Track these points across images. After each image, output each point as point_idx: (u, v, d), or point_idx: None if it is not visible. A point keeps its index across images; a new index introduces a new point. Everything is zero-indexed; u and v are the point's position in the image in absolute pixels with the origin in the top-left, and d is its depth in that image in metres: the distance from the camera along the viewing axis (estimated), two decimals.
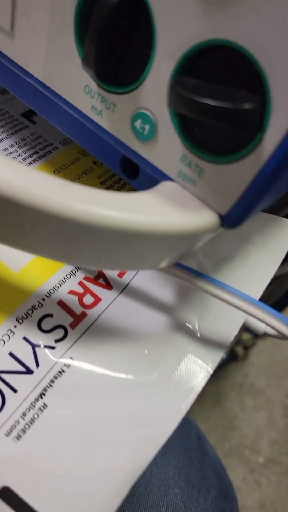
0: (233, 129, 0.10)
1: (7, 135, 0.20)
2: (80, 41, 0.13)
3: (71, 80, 0.14)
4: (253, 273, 0.18)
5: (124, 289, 0.17)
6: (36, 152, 0.20)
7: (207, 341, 0.16)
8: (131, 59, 0.12)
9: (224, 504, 0.26)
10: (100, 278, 0.17)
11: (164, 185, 0.13)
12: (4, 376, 0.14)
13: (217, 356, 0.16)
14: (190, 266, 0.16)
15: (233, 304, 0.15)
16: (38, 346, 0.15)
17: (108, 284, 0.17)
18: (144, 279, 0.18)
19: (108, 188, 0.19)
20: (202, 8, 0.10)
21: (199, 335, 0.16)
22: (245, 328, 0.17)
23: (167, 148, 0.12)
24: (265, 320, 0.15)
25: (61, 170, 0.19)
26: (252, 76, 0.10)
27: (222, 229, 0.12)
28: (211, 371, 0.16)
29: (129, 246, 0.12)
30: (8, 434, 0.14)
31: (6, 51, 0.15)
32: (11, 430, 0.14)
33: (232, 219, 0.12)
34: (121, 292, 0.17)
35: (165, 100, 0.12)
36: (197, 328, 0.17)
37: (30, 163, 0.19)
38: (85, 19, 0.12)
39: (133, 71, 0.12)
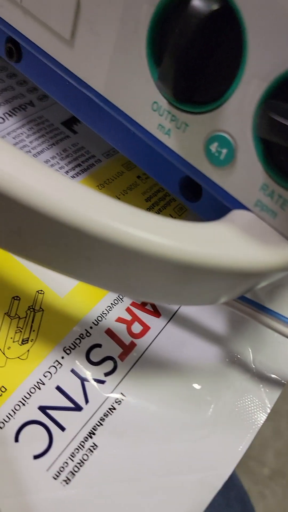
0: None
1: (48, 145, 0.19)
2: (153, 55, 0.12)
3: (137, 95, 0.13)
4: None
5: (173, 317, 0.16)
6: (79, 165, 0.18)
7: (262, 377, 0.15)
8: (212, 77, 0.11)
9: None
10: (147, 304, 0.16)
11: (239, 215, 0.12)
12: (52, 412, 0.13)
13: (275, 394, 0.15)
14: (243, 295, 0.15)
15: None
16: (87, 380, 0.14)
17: (156, 311, 0.16)
18: (194, 307, 0.17)
19: (154, 205, 0.18)
20: None
21: (254, 369, 0.15)
22: None
23: (245, 175, 0.11)
24: None
25: (105, 185, 0.18)
26: None
27: None
28: (268, 410, 0.15)
29: (200, 282, 0.11)
30: (56, 477, 0.13)
31: (62, 60, 0.14)
32: (59, 473, 0.13)
33: None
34: (169, 320, 0.16)
35: (250, 123, 0.11)
36: (251, 361, 0.16)
37: (73, 177, 0.18)
38: (160, 31, 0.11)
39: (213, 91, 0.11)
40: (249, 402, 0.15)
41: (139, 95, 0.13)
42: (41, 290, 0.15)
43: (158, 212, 0.18)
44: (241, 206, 0.12)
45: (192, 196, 0.14)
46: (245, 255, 0.11)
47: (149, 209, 0.18)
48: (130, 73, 0.12)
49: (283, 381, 0.15)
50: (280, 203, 0.11)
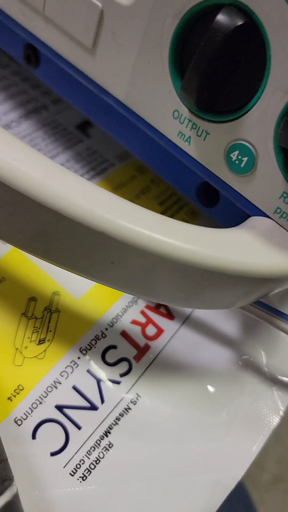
0: None
1: (63, 149, 0.19)
2: (175, 66, 0.12)
3: (158, 103, 0.13)
4: None
5: (186, 320, 0.17)
6: (93, 169, 0.19)
7: (275, 380, 0.16)
8: (234, 88, 0.11)
9: None
10: (161, 307, 0.16)
11: (259, 222, 0.12)
12: (68, 411, 0.14)
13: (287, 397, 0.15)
14: None
15: None
16: (103, 380, 0.14)
17: (169, 314, 0.16)
18: (207, 310, 0.17)
19: (167, 209, 0.19)
20: None
21: (267, 372, 0.16)
22: None
23: (265, 183, 0.12)
24: None
25: (119, 189, 0.19)
26: None
27: None
28: (282, 414, 0.15)
29: (225, 288, 0.11)
30: (73, 473, 0.13)
31: (83, 67, 0.14)
32: (76, 470, 0.13)
33: None
34: (183, 323, 0.16)
35: (271, 134, 0.11)
36: (264, 364, 0.16)
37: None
38: (183, 43, 0.12)
39: (235, 100, 0.12)
40: (262, 405, 0.15)
41: (160, 104, 0.13)
42: (57, 292, 0.15)
43: (172, 216, 0.18)
44: (260, 212, 0.12)
45: (209, 202, 0.15)
46: (266, 260, 0.11)
47: (162, 213, 0.19)
48: (152, 82, 0.13)
49: None
50: None
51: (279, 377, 0.16)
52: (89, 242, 0.10)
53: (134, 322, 0.16)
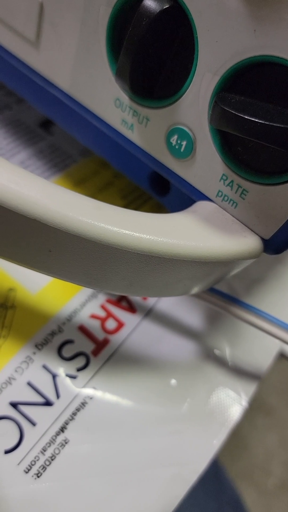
0: (283, 150, 0.10)
1: (24, 147, 0.20)
2: (112, 53, 0.13)
3: (100, 92, 0.13)
4: (287, 297, 0.18)
5: (148, 313, 0.17)
6: (55, 165, 0.19)
7: (239, 371, 0.16)
8: (168, 73, 0.12)
9: None
10: (123, 301, 0.17)
11: (202, 206, 0.13)
12: (22, 408, 0.14)
13: (251, 387, 0.16)
14: (220, 289, 0.15)
15: (267, 331, 0.15)
16: (58, 375, 0.15)
17: (131, 307, 0.17)
18: (170, 302, 0.17)
19: (130, 203, 0.19)
20: (251, 23, 0.10)
21: (230, 364, 0.16)
22: (281, 356, 0.17)
23: (205, 166, 0.12)
24: None
25: (81, 184, 0.19)
26: None
27: (264, 254, 0.12)
28: (244, 404, 0.15)
29: (165, 272, 0.12)
30: (27, 471, 0.13)
31: (29, 61, 0.15)
32: (30, 467, 0.13)
33: (276, 244, 0.12)
34: (145, 316, 0.17)
35: (206, 116, 0.12)
36: (228, 356, 0.16)
37: (48, 177, 0.19)
38: (118, 30, 0.12)
39: (170, 85, 0.12)
40: (224, 396, 0.15)
41: (102, 93, 0.13)
42: (13, 288, 0.16)
43: (136, 210, 0.19)
44: (204, 197, 0.13)
45: (161, 191, 0.15)
46: (203, 243, 0.11)
47: (125, 206, 0.19)
48: (93, 71, 0.13)
49: (259, 374, 0.16)
50: (240, 193, 0.12)
51: (243, 367, 0.16)
52: (24, 230, 0.11)
53: (93, 316, 0.16)
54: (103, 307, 0.16)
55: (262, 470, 0.73)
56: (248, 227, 0.12)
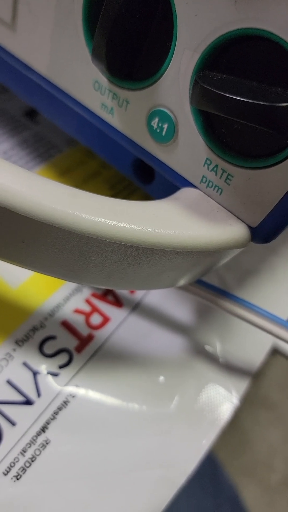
0: (268, 130, 0.09)
1: (7, 137, 0.19)
2: (89, 32, 0.12)
3: (78, 75, 0.13)
4: (281, 290, 0.17)
5: (136, 307, 0.16)
6: (40, 155, 0.19)
7: (230, 367, 0.15)
8: (147, 52, 0.11)
9: None
10: (109, 295, 0.16)
11: (186, 193, 0.12)
12: (1, 407, 0.14)
13: (242, 384, 0.15)
14: (210, 282, 0.15)
15: (259, 326, 0.14)
16: (40, 373, 0.14)
17: (117, 301, 0.16)
18: (158, 296, 0.17)
19: (118, 193, 0.19)
20: None
21: (221, 360, 0.16)
22: (274, 351, 0.16)
23: (188, 151, 0.12)
24: None
25: (66, 173, 0.19)
26: None
27: (251, 243, 0.12)
28: (235, 401, 0.15)
29: (146, 263, 0.11)
30: (6, 473, 0.13)
31: (6, 44, 0.14)
32: (9, 469, 0.13)
33: (264, 232, 0.11)
34: (132, 311, 0.16)
35: (187, 96, 0.11)
36: (218, 352, 0.16)
37: (31, 168, 0.18)
38: (95, 8, 0.12)
39: (149, 65, 0.11)
40: (214, 394, 0.15)
41: (80, 74, 0.13)
42: None
43: None
44: (188, 183, 0.12)
45: (146, 179, 0.15)
46: (185, 231, 0.11)
47: (113, 197, 0.18)
48: (70, 53, 0.13)
49: (251, 371, 0.15)
50: (225, 178, 0.11)
51: (234, 363, 0.15)
52: None
53: (77, 311, 0.16)
54: (87, 301, 0.16)
55: (265, 466, 0.73)
56: (234, 215, 0.12)
